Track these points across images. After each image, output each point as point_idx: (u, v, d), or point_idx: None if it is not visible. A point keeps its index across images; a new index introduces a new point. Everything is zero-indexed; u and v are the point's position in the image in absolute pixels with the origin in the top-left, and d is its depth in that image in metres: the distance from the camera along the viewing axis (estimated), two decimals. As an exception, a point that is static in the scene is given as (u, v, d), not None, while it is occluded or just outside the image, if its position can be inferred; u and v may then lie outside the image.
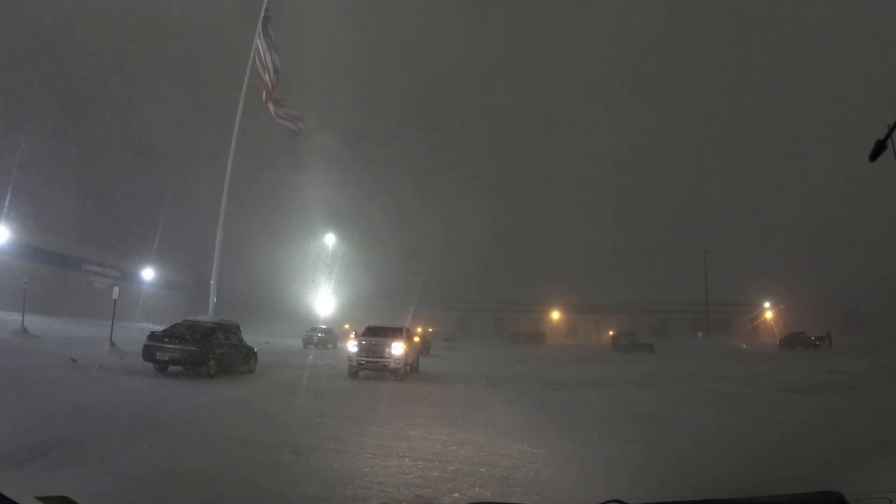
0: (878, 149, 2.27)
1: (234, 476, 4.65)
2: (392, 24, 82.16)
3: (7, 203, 19.07)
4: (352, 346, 14.74)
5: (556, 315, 60.01)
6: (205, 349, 12.10)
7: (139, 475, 4.35)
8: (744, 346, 39.79)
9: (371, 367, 13.88)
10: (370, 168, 76.46)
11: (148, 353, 11.94)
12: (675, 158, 74.83)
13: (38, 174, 29.14)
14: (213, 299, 20.19)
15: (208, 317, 18.16)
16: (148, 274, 26.16)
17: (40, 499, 1.67)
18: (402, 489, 4.42)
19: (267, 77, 19.12)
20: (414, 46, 77.47)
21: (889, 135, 2.24)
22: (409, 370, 14.72)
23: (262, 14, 19.49)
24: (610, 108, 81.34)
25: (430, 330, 43.68)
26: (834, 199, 53.68)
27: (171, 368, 12.00)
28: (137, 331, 16.27)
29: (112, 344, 15.95)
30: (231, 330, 14.11)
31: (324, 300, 32.20)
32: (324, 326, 31.06)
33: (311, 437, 6.29)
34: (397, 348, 13.63)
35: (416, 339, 20.77)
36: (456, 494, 4.31)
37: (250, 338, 15.61)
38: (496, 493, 4.41)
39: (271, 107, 19.29)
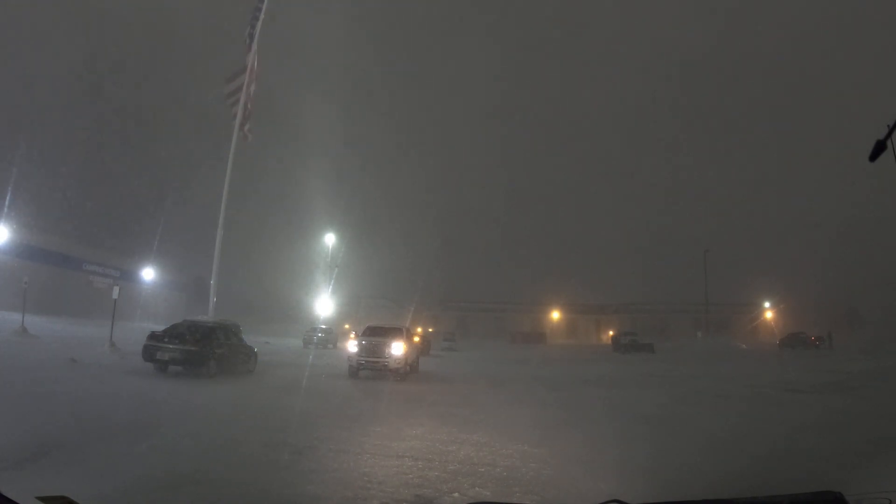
0: (878, 149, 2.27)
1: (234, 476, 4.64)
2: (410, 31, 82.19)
3: (7, 203, 19.03)
4: (352, 346, 14.75)
5: (556, 315, 59.97)
6: (205, 349, 12.10)
7: (139, 475, 4.34)
8: (744, 346, 39.77)
9: (371, 367, 13.88)
10: (370, 169, 76.48)
11: (148, 353, 11.93)
12: (674, 158, 74.78)
13: (39, 174, 29.13)
14: (213, 299, 20.22)
15: (208, 317, 18.18)
16: (148, 274, 26.04)
17: (40, 499, 1.68)
18: (402, 489, 4.42)
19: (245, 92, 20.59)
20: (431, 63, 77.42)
21: (889, 135, 2.23)
22: (409, 370, 14.72)
23: (256, 28, 20.40)
24: (611, 109, 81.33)
25: (430, 330, 43.68)
26: (834, 199, 53.75)
27: (171, 368, 12.00)
28: (137, 331, 16.27)
29: (112, 344, 15.94)
30: (231, 330, 14.10)
31: (324, 300, 32.16)
32: (324, 326, 31.05)
33: (311, 437, 6.29)
34: (397, 348, 13.63)
35: (416, 339, 20.77)
36: (456, 494, 4.31)
37: (250, 338, 15.61)
38: (496, 493, 4.41)
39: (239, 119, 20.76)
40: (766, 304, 51.64)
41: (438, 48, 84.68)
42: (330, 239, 33.33)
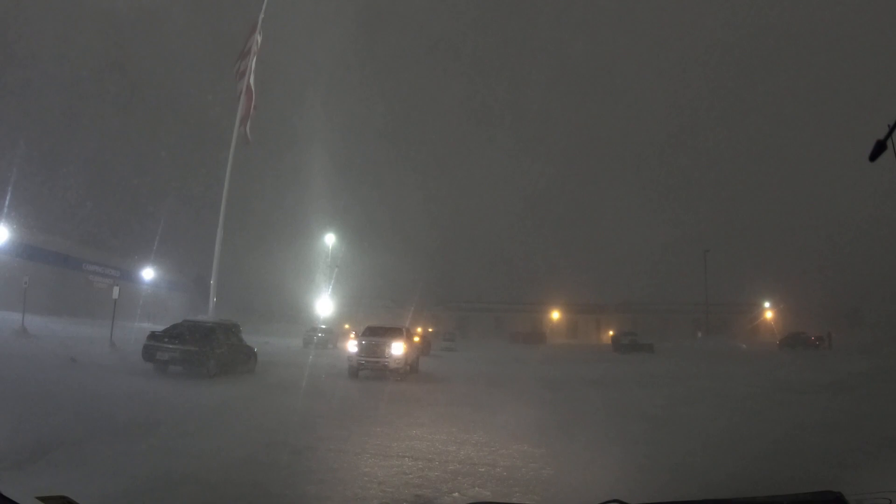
0: (878, 149, 2.27)
1: (234, 476, 4.65)
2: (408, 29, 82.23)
3: (7, 203, 19.05)
4: (352, 346, 14.75)
5: (556, 315, 59.95)
6: (205, 349, 12.11)
7: (139, 475, 4.35)
8: (744, 346, 39.72)
9: (371, 367, 13.88)
10: (371, 168, 76.59)
11: (148, 353, 11.94)
12: (674, 157, 74.85)
13: (39, 174, 29.15)
14: (213, 299, 20.28)
15: (208, 317, 18.22)
16: (148, 274, 26.08)
17: (40, 499, 1.68)
18: (402, 489, 4.42)
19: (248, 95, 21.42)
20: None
21: (889, 135, 2.23)
22: (409, 370, 14.72)
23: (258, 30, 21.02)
24: (611, 107, 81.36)
25: (430, 330, 43.63)
26: (834, 198, 53.74)
27: (172, 368, 12.00)
28: (137, 331, 16.29)
29: (112, 344, 15.97)
30: (231, 330, 14.11)
31: (324, 300, 32.17)
32: (324, 326, 31.03)
33: (311, 437, 6.30)
34: (397, 348, 13.63)
35: (416, 339, 20.77)
36: (456, 494, 4.31)
37: (250, 338, 15.61)
38: (496, 493, 4.41)
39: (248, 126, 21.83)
40: (766, 304, 51.63)
41: (439, 51, 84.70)
42: (330, 239, 33.37)
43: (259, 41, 21.31)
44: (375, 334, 14.59)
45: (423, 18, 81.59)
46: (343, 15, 69.34)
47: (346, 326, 38.47)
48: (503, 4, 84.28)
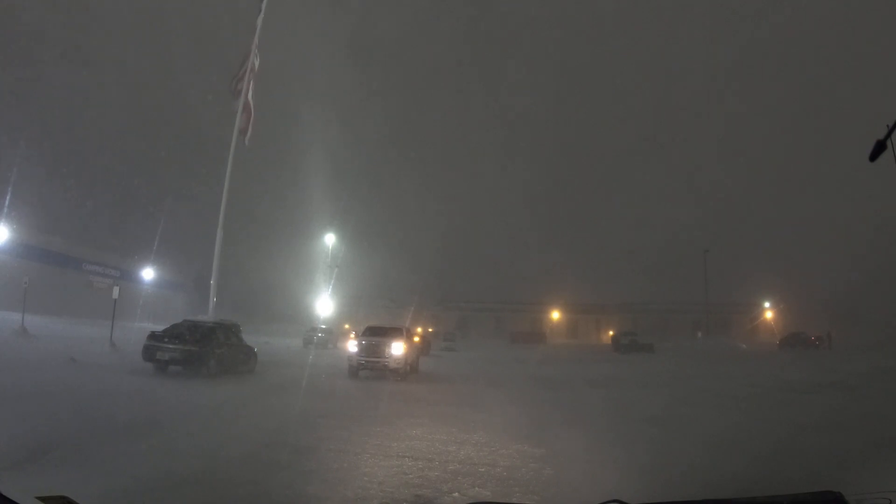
0: (878, 149, 2.27)
1: (235, 476, 4.65)
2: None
3: (7, 203, 19.06)
4: (352, 346, 14.76)
5: (556, 315, 59.96)
6: (205, 349, 12.12)
7: (139, 475, 4.35)
8: (744, 346, 39.74)
9: (371, 366, 13.89)
10: (371, 168, 76.59)
11: (148, 352, 11.95)
12: (673, 157, 74.84)
13: (39, 174, 29.16)
14: (213, 299, 20.31)
15: (208, 317, 18.23)
16: (148, 274, 26.13)
17: (40, 499, 1.67)
18: (402, 489, 4.42)
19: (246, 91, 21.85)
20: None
21: (889, 135, 2.24)
22: (409, 370, 14.72)
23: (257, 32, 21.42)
24: (611, 107, 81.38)
25: (430, 330, 43.64)
26: (834, 198, 53.76)
27: (171, 368, 12.01)
28: (137, 331, 16.29)
29: (112, 344, 15.98)
30: (231, 330, 14.11)
31: (324, 300, 32.18)
32: (324, 326, 31.04)
33: (311, 437, 6.29)
34: (397, 348, 13.64)
35: (416, 339, 20.77)
36: (456, 494, 4.31)
37: (250, 338, 15.62)
38: (496, 493, 4.41)
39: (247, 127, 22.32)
40: (766, 304, 51.65)
41: (435, 58, 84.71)
42: (330, 239, 33.38)
43: (257, 64, 21.80)
44: (375, 334, 14.60)
45: (414, 35, 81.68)
46: (338, 23, 69.36)
47: (346, 326, 38.49)
48: (496, 14, 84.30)
